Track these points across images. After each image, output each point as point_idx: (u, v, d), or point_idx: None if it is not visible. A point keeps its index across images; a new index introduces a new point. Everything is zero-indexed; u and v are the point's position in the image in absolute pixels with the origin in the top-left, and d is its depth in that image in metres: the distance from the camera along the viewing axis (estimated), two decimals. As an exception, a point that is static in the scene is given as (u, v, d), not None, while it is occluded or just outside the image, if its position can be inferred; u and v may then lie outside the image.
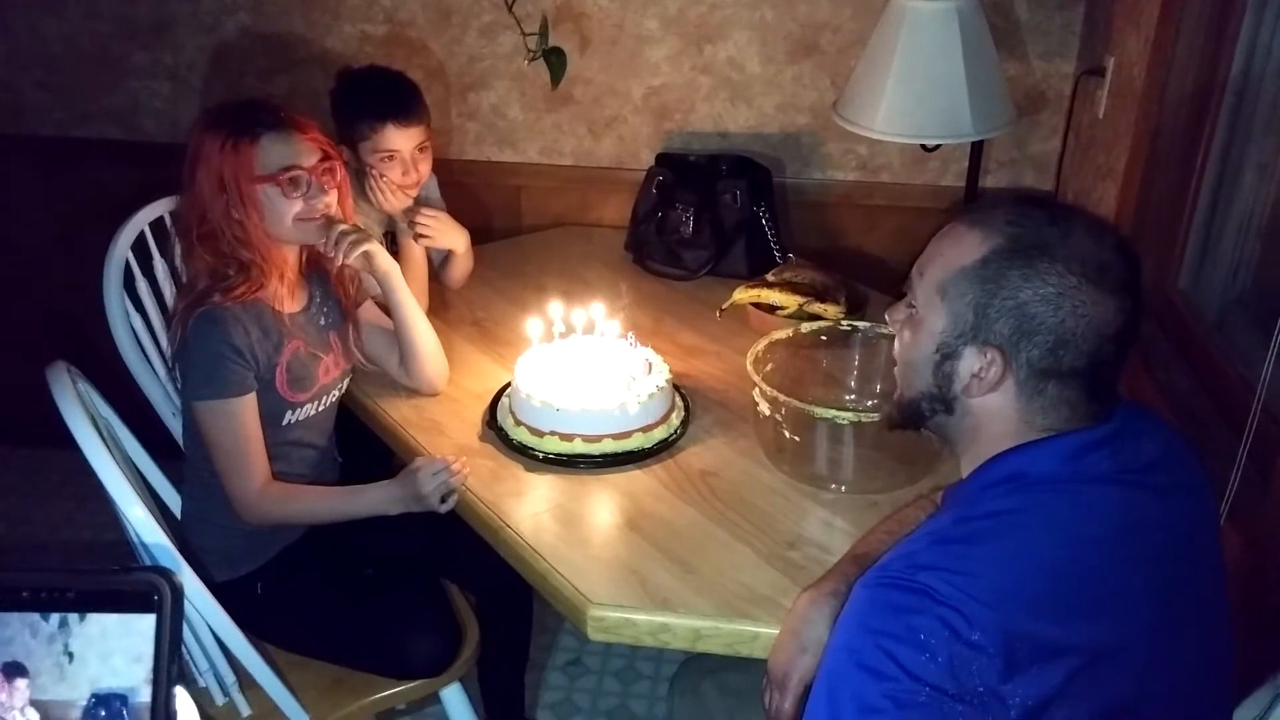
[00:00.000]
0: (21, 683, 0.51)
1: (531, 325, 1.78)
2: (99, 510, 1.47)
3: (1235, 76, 1.79)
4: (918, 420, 1.13)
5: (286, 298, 1.69)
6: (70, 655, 0.50)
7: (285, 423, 1.69)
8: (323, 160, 1.65)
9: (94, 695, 0.51)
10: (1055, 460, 1.01)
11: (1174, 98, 1.84)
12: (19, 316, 2.87)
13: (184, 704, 0.53)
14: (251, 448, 1.63)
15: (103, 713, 0.50)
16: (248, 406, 1.62)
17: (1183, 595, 1.03)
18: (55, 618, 0.51)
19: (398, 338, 1.81)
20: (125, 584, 0.51)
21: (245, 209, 1.60)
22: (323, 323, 1.75)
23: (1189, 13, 1.79)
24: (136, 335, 1.95)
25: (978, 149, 2.21)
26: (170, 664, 0.51)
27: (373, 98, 2.00)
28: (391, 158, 1.98)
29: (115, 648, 0.50)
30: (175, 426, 1.99)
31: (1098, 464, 1.01)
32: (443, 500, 1.60)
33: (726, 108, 2.51)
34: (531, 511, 1.56)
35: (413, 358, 1.80)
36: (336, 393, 1.79)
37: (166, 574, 0.52)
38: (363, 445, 1.88)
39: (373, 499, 1.66)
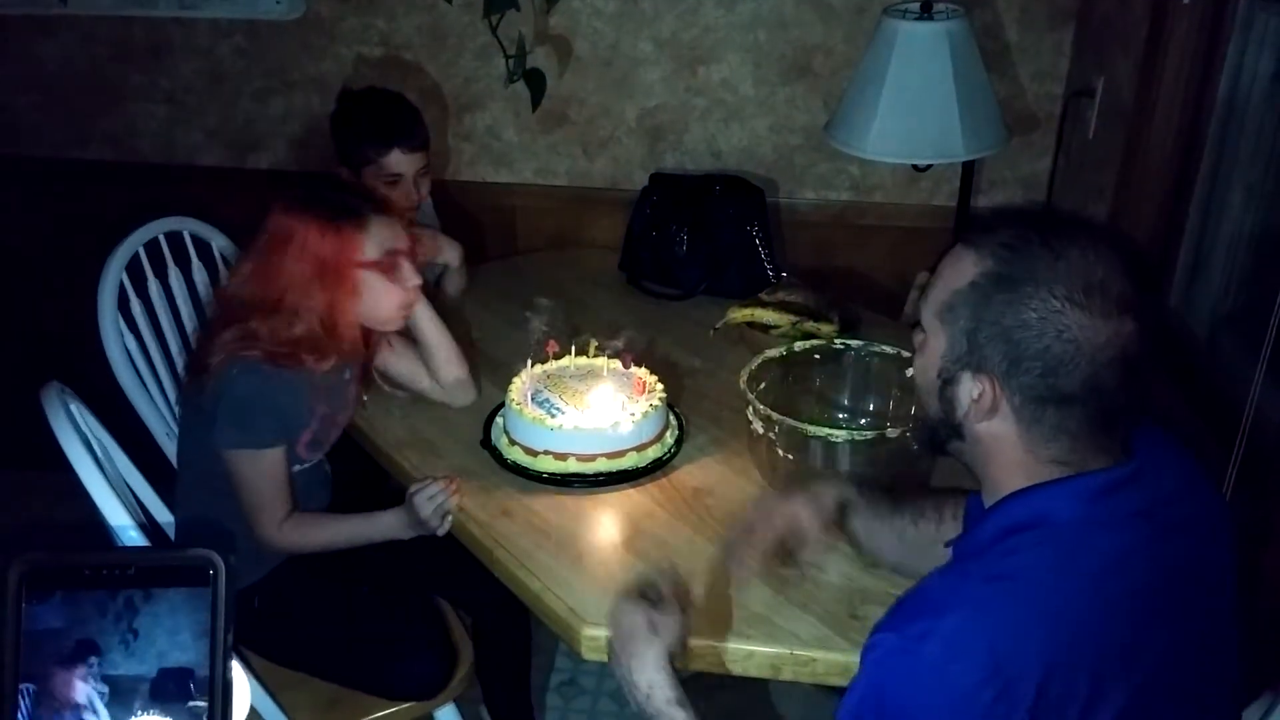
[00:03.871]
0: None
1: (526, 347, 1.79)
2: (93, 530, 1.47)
3: (1223, 97, 1.80)
4: (938, 444, 1.11)
5: (322, 359, 1.65)
6: (135, 633, 0.54)
7: (291, 469, 1.69)
8: (411, 241, 1.66)
9: (161, 670, 0.53)
10: (1078, 503, 0.98)
11: (1163, 118, 1.86)
12: (12, 337, 2.86)
13: (239, 675, 0.56)
14: (281, 490, 1.63)
15: (171, 686, 0.54)
16: (282, 455, 1.62)
17: (1197, 629, 1.01)
18: (121, 599, 0.54)
19: (422, 349, 1.81)
20: (181, 559, 0.55)
21: (342, 293, 1.58)
22: (346, 376, 1.75)
23: (1177, 35, 1.81)
24: (130, 356, 1.95)
25: (969, 169, 2.22)
26: (226, 634, 0.54)
27: (378, 122, 2.00)
28: (396, 181, 1.99)
29: (183, 624, 0.54)
30: (169, 447, 2.00)
31: (1124, 505, 0.98)
32: (441, 521, 1.60)
33: (720, 129, 2.52)
34: (525, 531, 1.56)
35: (439, 367, 1.81)
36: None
37: (218, 549, 0.55)
38: (357, 463, 1.87)
39: (385, 525, 1.65)
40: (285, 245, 1.57)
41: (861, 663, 0.96)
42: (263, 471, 1.61)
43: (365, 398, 1.81)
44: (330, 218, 1.57)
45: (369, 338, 1.73)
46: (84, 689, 0.53)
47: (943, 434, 1.08)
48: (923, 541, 1.32)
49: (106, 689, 0.53)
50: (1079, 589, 0.94)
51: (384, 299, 1.63)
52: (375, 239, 1.59)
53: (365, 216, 1.59)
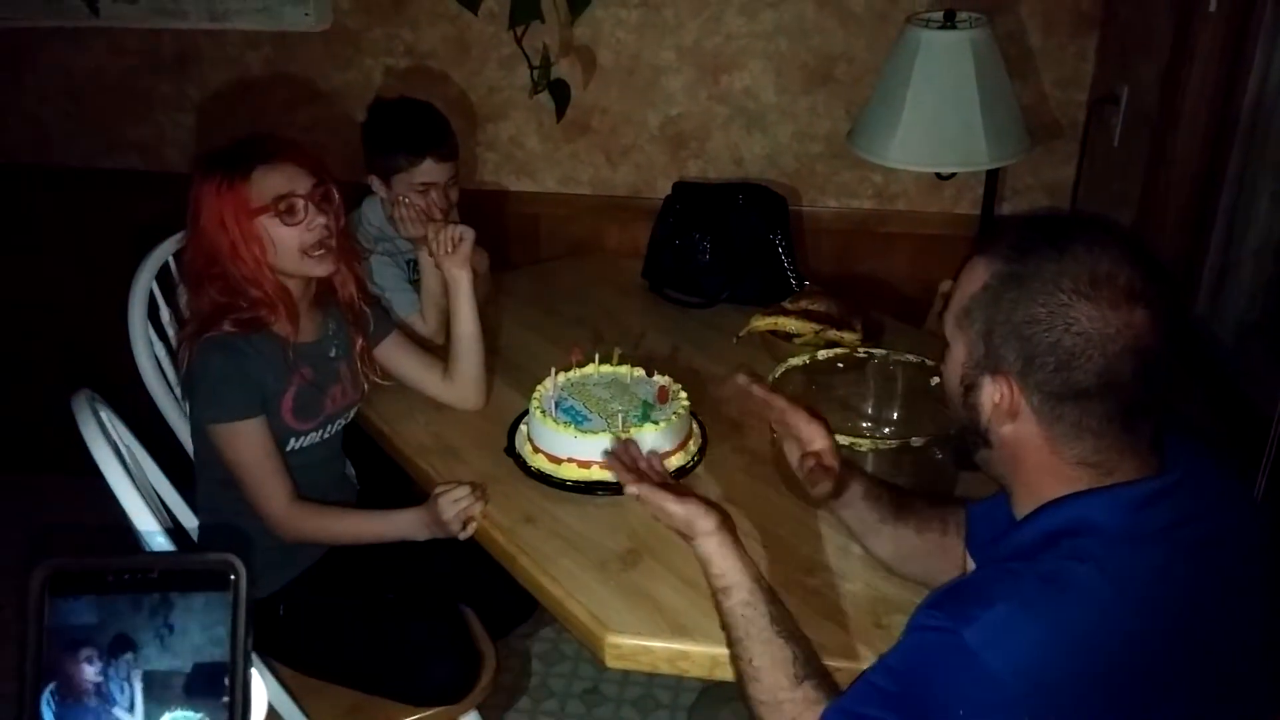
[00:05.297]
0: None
1: (549, 353, 1.80)
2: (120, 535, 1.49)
3: (1249, 104, 1.79)
4: (968, 455, 1.10)
5: (295, 329, 1.69)
6: (170, 628, 0.54)
7: (289, 449, 1.71)
8: (317, 185, 1.66)
9: (196, 665, 0.54)
10: (1118, 512, 0.97)
11: (1188, 125, 1.85)
12: (44, 344, 2.90)
13: (257, 679, 0.57)
14: (272, 464, 1.65)
15: (205, 681, 0.54)
16: (260, 426, 1.64)
17: (1228, 647, 1.01)
18: (156, 594, 0.54)
19: (453, 341, 1.85)
20: (202, 564, 0.55)
21: (248, 245, 1.60)
22: (333, 354, 1.77)
23: (1202, 41, 1.80)
24: (160, 363, 1.97)
25: (993, 176, 2.21)
26: (246, 637, 0.54)
27: (411, 131, 2.03)
28: (426, 190, 2.02)
29: (218, 619, 0.54)
30: (196, 453, 2.02)
31: (1158, 518, 0.98)
32: (463, 526, 1.61)
33: (742, 137, 2.53)
34: (548, 538, 1.56)
35: (460, 366, 1.84)
36: (343, 420, 1.81)
37: (237, 553, 0.56)
38: (383, 472, 1.89)
39: (401, 523, 1.67)
40: (198, 214, 1.62)
41: (906, 631, 0.99)
42: (251, 445, 1.63)
43: (369, 378, 1.82)
44: (219, 176, 1.60)
45: (331, 292, 1.75)
46: (119, 684, 0.54)
47: (971, 442, 1.08)
48: (925, 550, 1.33)
49: (141, 685, 0.54)
50: (1122, 609, 0.94)
51: (288, 242, 1.63)
52: (260, 186, 1.61)
53: (250, 167, 1.61)
